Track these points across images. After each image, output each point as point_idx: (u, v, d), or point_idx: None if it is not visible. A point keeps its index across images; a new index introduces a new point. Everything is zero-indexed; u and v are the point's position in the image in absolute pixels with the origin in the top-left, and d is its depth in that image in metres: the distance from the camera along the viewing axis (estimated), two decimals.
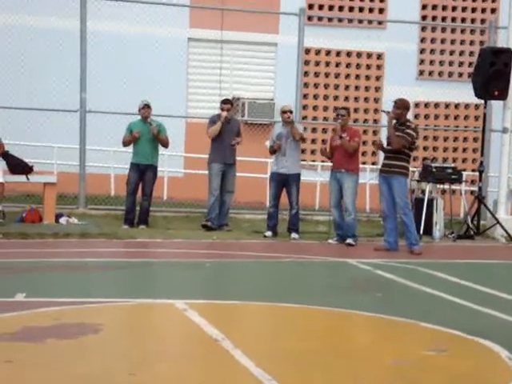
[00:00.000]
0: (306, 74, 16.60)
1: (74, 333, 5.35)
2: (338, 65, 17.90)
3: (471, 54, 17.71)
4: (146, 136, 11.40)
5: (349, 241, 10.78)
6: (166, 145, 11.69)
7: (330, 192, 11.06)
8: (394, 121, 10.30)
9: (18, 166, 11.49)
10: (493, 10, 18.36)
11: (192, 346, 5.33)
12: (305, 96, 16.57)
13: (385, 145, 10.67)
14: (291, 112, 11.35)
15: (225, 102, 11.95)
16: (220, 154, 11.67)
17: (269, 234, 11.25)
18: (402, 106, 10.36)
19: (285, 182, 11.26)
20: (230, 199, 11.86)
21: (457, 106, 18.35)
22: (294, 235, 11.21)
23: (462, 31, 18.27)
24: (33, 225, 11.07)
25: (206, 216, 11.72)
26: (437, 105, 18.00)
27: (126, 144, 11.62)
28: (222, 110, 11.70)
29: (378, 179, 10.67)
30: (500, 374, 4.81)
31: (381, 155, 11.00)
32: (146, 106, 11.47)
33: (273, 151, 11.41)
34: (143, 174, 11.47)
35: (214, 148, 11.74)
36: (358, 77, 17.98)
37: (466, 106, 18.21)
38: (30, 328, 5.46)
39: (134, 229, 11.33)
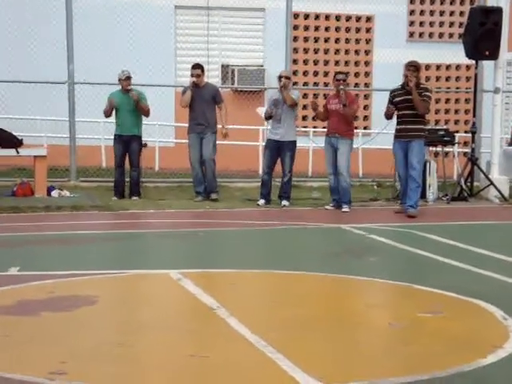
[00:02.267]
0: (295, 39, 16.49)
1: (68, 305, 5.33)
2: (327, 29, 17.79)
3: (461, 14, 17.61)
4: (127, 107, 11.28)
5: (344, 208, 10.77)
6: (146, 114, 11.52)
7: (325, 157, 11.01)
8: (413, 82, 10.11)
9: (8, 140, 11.42)
10: None
11: (187, 315, 5.32)
12: (295, 61, 16.47)
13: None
14: (287, 78, 11.20)
15: (193, 66, 11.51)
16: (193, 123, 11.47)
17: (261, 202, 11.22)
18: (416, 69, 10.21)
19: (279, 149, 11.17)
20: (208, 167, 11.47)
21: (448, 67, 18.28)
22: (284, 202, 11.16)
23: None
24: (24, 198, 11.02)
25: (194, 189, 11.60)
26: (428, 66, 17.91)
27: (106, 115, 11.53)
28: (192, 75, 11.43)
29: (392, 145, 10.51)
30: (496, 333, 4.81)
31: (377, 120, 10.93)
32: (127, 78, 11.29)
33: (268, 117, 11.31)
34: (128, 145, 11.38)
35: (189, 117, 11.56)
36: (347, 40, 17.88)
37: (457, 67, 18.14)
38: (24, 302, 5.43)
39: (127, 200, 11.29)
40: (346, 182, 10.81)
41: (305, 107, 17.51)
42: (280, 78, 11.18)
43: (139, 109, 11.34)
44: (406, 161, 10.31)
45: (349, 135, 10.87)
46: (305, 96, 17.61)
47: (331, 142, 10.87)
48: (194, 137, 11.48)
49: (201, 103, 11.38)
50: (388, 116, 10.47)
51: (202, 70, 11.53)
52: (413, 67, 10.18)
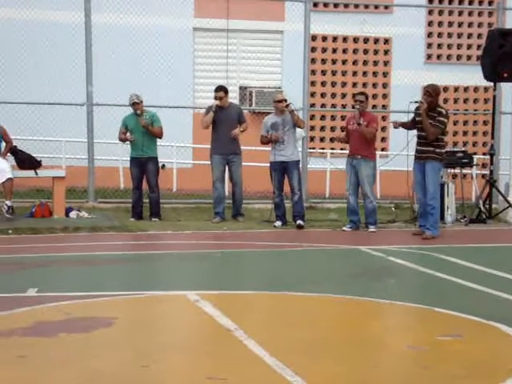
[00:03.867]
0: (312, 61, 16.52)
1: (86, 327, 5.33)
2: (344, 51, 17.81)
3: (479, 36, 17.59)
4: (141, 129, 11.30)
5: (371, 229, 10.78)
6: (159, 136, 11.51)
7: (346, 178, 10.99)
8: (424, 107, 10.13)
9: (27, 161, 11.47)
10: None
11: (205, 337, 5.30)
12: (312, 83, 16.49)
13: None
14: (286, 100, 11.21)
15: (216, 89, 11.55)
16: (218, 144, 11.48)
17: (278, 223, 11.20)
18: (433, 91, 10.21)
19: (285, 170, 11.20)
20: (238, 190, 11.66)
21: (466, 89, 18.24)
22: (299, 222, 11.12)
23: (470, 13, 18.15)
24: (43, 219, 11.06)
25: (214, 210, 11.64)
26: (446, 88, 17.87)
27: (121, 140, 11.58)
28: (215, 98, 11.48)
29: (413, 166, 10.52)
30: None
31: (394, 142, 10.94)
32: (135, 104, 11.32)
33: (267, 141, 11.32)
34: (144, 166, 11.40)
35: (213, 139, 11.57)
36: (365, 62, 17.89)
37: (476, 89, 18.10)
38: (42, 323, 5.44)
39: (145, 221, 11.30)
40: (372, 203, 10.84)
41: (322, 129, 17.54)
42: (278, 101, 11.15)
43: (151, 132, 11.34)
44: (423, 183, 10.30)
45: (370, 156, 10.88)
46: (322, 118, 17.65)
47: (352, 163, 10.87)
48: (218, 158, 11.50)
49: (226, 124, 11.39)
50: (406, 127, 10.49)
51: (225, 92, 11.56)
52: (427, 92, 10.19)
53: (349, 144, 11.04)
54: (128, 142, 11.54)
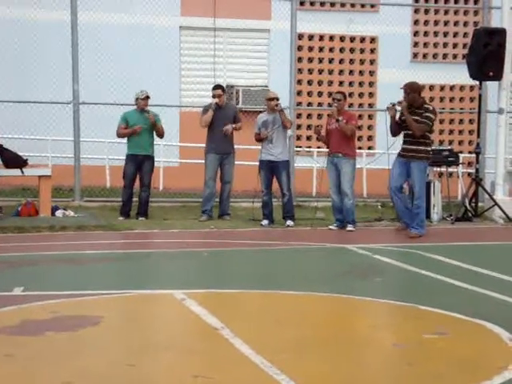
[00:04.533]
0: (299, 59, 16.52)
1: (72, 325, 5.32)
2: (331, 50, 17.83)
3: (465, 35, 17.65)
4: (143, 126, 11.29)
5: (349, 227, 10.79)
6: (162, 134, 11.58)
7: (328, 177, 11.02)
8: (403, 104, 10.17)
9: (13, 160, 11.43)
10: None
11: (191, 336, 5.30)
12: (299, 82, 16.50)
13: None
14: (278, 99, 11.25)
15: (214, 87, 11.63)
16: (214, 143, 11.52)
17: (265, 222, 11.21)
18: (409, 88, 10.24)
19: (274, 170, 11.21)
20: (227, 189, 11.67)
21: (452, 87, 18.30)
22: (289, 222, 11.16)
23: (456, 12, 18.21)
24: (29, 218, 11.02)
25: (202, 208, 11.65)
26: (432, 87, 17.94)
27: (121, 136, 11.51)
28: (213, 96, 11.52)
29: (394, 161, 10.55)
30: (501, 355, 4.80)
31: (381, 140, 10.95)
32: (147, 98, 11.33)
33: (259, 139, 11.34)
34: (140, 165, 11.38)
35: (209, 137, 11.61)
36: (351, 61, 17.92)
37: (461, 87, 18.16)
38: (28, 322, 5.43)
39: (132, 220, 11.29)
40: (350, 202, 10.82)
41: (309, 127, 17.54)
42: (270, 99, 11.19)
43: (156, 130, 11.35)
44: (401, 179, 10.32)
45: (351, 154, 10.90)
46: (309, 116, 17.67)
47: (334, 161, 10.89)
48: (212, 156, 11.52)
49: (221, 123, 11.40)
50: (392, 132, 10.51)
51: (223, 90, 11.64)
52: (404, 89, 10.23)
53: (329, 143, 11.04)
54: (119, 140, 11.49)
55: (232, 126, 11.46)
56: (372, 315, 6.15)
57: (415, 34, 18.17)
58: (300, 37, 16.13)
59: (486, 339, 5.20)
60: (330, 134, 10.95)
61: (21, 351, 4.72)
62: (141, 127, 11.19)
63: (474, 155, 13.09)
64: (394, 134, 10.57)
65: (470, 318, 5.65)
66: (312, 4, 17.14)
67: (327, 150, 11.18)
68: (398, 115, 10.49)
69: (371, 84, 17.98)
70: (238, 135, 12.03)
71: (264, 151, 11.25)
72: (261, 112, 11.84)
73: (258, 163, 11.39)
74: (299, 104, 16.20)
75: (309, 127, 17.57)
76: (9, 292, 6.43)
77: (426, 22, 18.20)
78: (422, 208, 10.43)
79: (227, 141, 11.50)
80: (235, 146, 11.80)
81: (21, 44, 15.10)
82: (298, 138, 16.85)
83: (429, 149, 10.43)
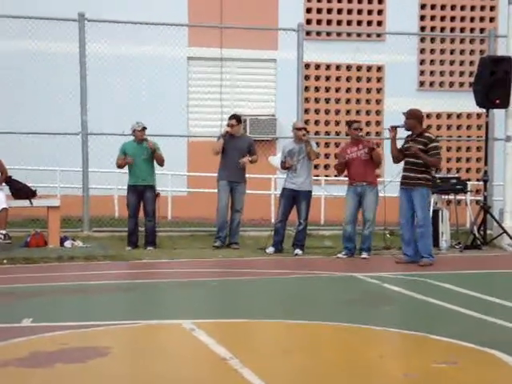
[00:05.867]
0: (306, 88, 16.60)
1: (81, 357, 5.32)
2: (338, 79, 17.91)
3: (471, 63, 17.70)
4: (141, 157, 11.35)
5: (364, 255, 10.80)
6: (161, 162, 11.59)
7: (346, 206, 10.98)
8: (400, 133, 10.22)
9: (22, 191, 11.47)
10: (491, 19, 18.38)
11: (200, 367, 5.28)
12: (306, 111, 16.57)
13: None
14: (305, 129, 11.34)
15: (229, 117, 11.80)
16: (226, 170, 11.61)
17: (270, 250, 11.19)
18: (411, 115, 10.32)
19: (295, 199, 11.22)
20: (237, 218, 11.66)
21: (459, 115, 18.33)
22: (297, 251, 11.15)
23: (462, 41, 18.29)
24: (37, 249, 11.04)
25: (216, 235, 11.68)
26: (439, 115, 17.98)
27: (119, 166, 11.60)
28: (227, 125, 11.65)
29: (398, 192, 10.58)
30: None
31: (388, 168, 10.98)
32: (144, 129, 11.40)
33: (286, 167, 11.37)
34: (142, 195, 11.43)
35: (221, 165, 11.70)
36: (358, 90, 17.99)
37: (468, 115, 18.19)
38: (37, 353, 5.43)
39: (140, 250, 11.30)
40: (370, 230, 10.88)
41: (317, 156, 17.55)
42: (298, 129, 11.24)
43: (156, 158, 11.42)
44: (408, 209, 10.32)
45: (375, 182, 11.00)
46: (316, 145, 17.68)
47: (357, 190, 10.87)
48: (224, 184, 11.59)
49: (235, 153, 11.49)
50: (394, 158, 10.53)
51: (238, 120, 11.71)
52: (405, 114, 10.35)
53: (349, 172, 11.02)
54: (126, 170, 11.56)
55: (248, 158, 11.53)
56: (381, 344, 6.12)
57: (421, 62, 18.24)
58: (307, 66, 16.21)
59: (496, 368, 5.17)
60: (351, 162, 10.93)
61: (31, 383, 4.71)
62: (131, 159, 11.25)
63: (481, 183, 13.08)
64: (396, 159, 10.57)
65: (479, 347, 5.62)
66: (318, 34, 17.27)
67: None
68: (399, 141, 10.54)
69: (378, 112, 18.04)
70: (249, 164, 12.06)
71: (287, 179, 11.28)
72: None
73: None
74: (307, 133, 16.21)
75: (317, 156, 17.58)
76: (17, 323, 6.43)
77: (433, 51, 18.28)
78: (428, 235, 10.39)
79: (239, 170, 11.56)
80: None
81: (29, 74, 15.22)
82: None
83: (429, 177, 10.42)
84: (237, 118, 11.75)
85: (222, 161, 11.70)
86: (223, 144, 11.52)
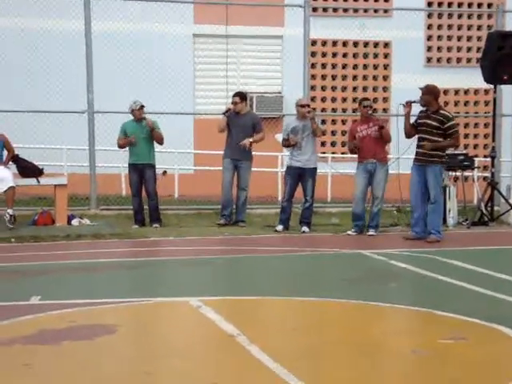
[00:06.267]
0: (312, 65, 16.53)
1: (89, 334, 5.34)
2: (344, 55, 17.82)
3: (479, 38, 17.58)
4: (141, 135, 11.32)
5: (371, 232, 10.81)
6: (161, 141, 11.53)
7: (357, 184, 10.95)
8: (423, 108, 10.19)
9: (29, 170, 11.47)
10: None
11: (208, 343, 5.31)
12: (312, 88, 16.51)
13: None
14: (309, 106, 11.27)
15: (233, 95, 11.70)
16: (229, 148, 11.56)
17: (280, 228, 11.19)
18: (428, 91, 10.27)
19: (301, 176, 11.19)
20: (242, 196, 11.61)
21: (466, 91, 18.25)
22: (304, 228, 11.13)
23: (469, 16, 18.16)
24: (45, 227, 11.06)
25: (220, 213, 11.67)
26: (446, 91, 17.87)
27: (121, 147, 11.59)
28: (232, 103, 11.60)
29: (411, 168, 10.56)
30: None
31: (395, 145, 10.93)
32: (142, 107, 11.36)
33: (287, 145, 11.33)
34: (142, 173, 11.42)
35: (226, 142, 11.66)
36: (365, 66, 17.90)
37: (476, 91, 18.11)
38: (45, 331, 5.46)
39: (147, 228, 11.31)
40: (378, 206, 10.86)
41: (323, 133, 17.52)
42: (302, 106, 11.18)
43: (154, 136, 11.38)
44: (419, 186, 10.31)
45: (385, 160, 10.96)
46: (323, 122, 17.63)
47: (367, 168, 10.82)
48: (228, 162, 11.55)
49: (239, 130, 11.43)
50: (406, 134, 10.51)
51: (241, 98, 11.59)
52: (421, 89, 10.31)
53: (360, 150, 10.96)
54: (127, 149, 11.55)
55: (249, 140, 11.43)
56: (389, 321, 6.14)
57: (429, 38, 18.13)
58: (313, 43, 16.14)
59: (503, 344, 5.18)
60: (362, 140, 10.86)
61: (38, 361, 4.74)
62: (134, 137, 11.24)
63: (489, 159, 13.04)
64: (409, 135, 10.55)
65: (486, 323, 5.63)
66: (325, 10, 17.16)
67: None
68: (412, 118, 10.49)
69: (385, 89, 17.96)
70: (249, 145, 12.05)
71: (292, 157, 11.24)
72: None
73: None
74: (313, 110, 16.17)
75: (323, 133, 17.54)
76: (26, 301, 6.46)
77: (440, 27, 18.16)
78: (439, 212, 10.42)
79: (243, 148, 11.50)
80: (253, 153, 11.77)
81: (35, 54, 15.17)
82: None
83: (443, 153, 10.42)
84: (241, 96, 11.64)
85: (227, 139, 11.66)
86: (227, 121, 11.49)
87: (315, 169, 11.28)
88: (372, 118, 11.00)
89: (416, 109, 10.65)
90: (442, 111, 10.36)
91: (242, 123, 11.49)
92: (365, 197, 10.95)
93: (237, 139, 11.43)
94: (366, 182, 10.88)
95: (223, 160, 11.63)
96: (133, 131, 11.35)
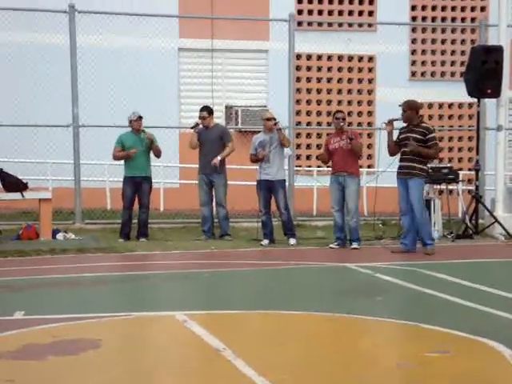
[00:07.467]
0: (298, 79, 16.59)
1: (74, 349, 5.31)
2: (329, 69, 17.91)
3: (463, 52, 17.71)
4: (139, 148, 11.33)
5: (354, 245, 10.82)
6: (158, 154, 11.59)
7: (331, 196, 11.02)
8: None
9: (13, 184, 11.44)
10: (482, 8, 18.41)
11: (193, 358, 5.28)
12: (298, 101, 16.56)
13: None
14: (275, 119, 11.31)
15: (200, 109, 11.74)
16: (202, 164, 11.64)
17: (265, 242, 11.22)
18: (408, 107, 10.35)
19: (271, 189, 11.24)
20: (222, 212, 11.66)
21: (450, 105, 18.37)
22: (291, 241, 11.18)
23: (453, 30, 18.29)
24: (29, 242, 11.02)
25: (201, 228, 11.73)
26: (430, 105, 17.99)
27: (117, 159, 11.56)
28: (199, 118, 11.63)
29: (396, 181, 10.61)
30: (504, 373, 4.78)
31: (381, 158, 10.98)
32: (140, 118, 11.39)
33: (255, 160, 11.37)
34: (139, 186, 11.40)
35: (198, 158, 11.72)
36: (350, 80, 17.99)
37: (460, 105, 18.22)
38: (30, 346, 5.41)
39: (132, 242, 11.28)
40: (354, 220, 10.86)
41: (308, 147, 17.58)
42: (268, 119, 11.24)
43: (153, 149, 11.39)
44: (407, 198, 10.35)
45: (356, 173, 10.96)
46: (308, 136, 17.70)
47: (338, 180, 10.90)
48: (202, 177, 11.62)
49: (209, 144, 11.52)
50: (390, 151, 10.58)
51: (209, 112, 11.66)
52: (402, 107, 10.40)
53: (332, 162, 11.06)
54: (118, 162, 11.52)
55: (218, 158, 11.42)
56: (374, 334, 6.13)
57: (413, 52, 18.25)
58: (298, 57, 16.19)
59: (489, 357, 5.18)
60: (334, 152, 10.94)
61: (22, 376, 4.70)
62: (135, 151, 11.23)
63: (473, 172, 13.10)
64: (392, 153, 10.63)
65: (472, 336, 5.64)
66: (310, 24, 17.25)
67: (328, 168, 11.20)
68: (395, 134, 10.54)
69: (370, 103, 18.05)
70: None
71: (261, 171, 11.29)
72: (259, 131, 11.86)
73: (255, 183, 11.42)
74: (298, 123, 16.26)
75: (308, 146, 17.61)
76: (10, 316, 6.41)
77: (424, 41, 18.29)
78: (426, 221, 10.56)
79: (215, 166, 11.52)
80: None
81: (20, 67, 15.17)
82: (298, 157, 16.89)
83: (425, 167, 10.45)
84: (208, 110, 11.70)
85: (199, 154, 11.71)
86: (197, 137, 11.51)
87: (284, 180, 11.44)
88: (345, 130, 11.04)
89: (398, 124, 10.71)
90: (423, 124, 10.47)
91: (212, 137, 11.55)
92: (342, 208, 10.97)
93: (208, 154, 11.50)
94: (340, 193, 10.92)
95: (198, 176, 11.66)
96: (132, 144, 11.32)
